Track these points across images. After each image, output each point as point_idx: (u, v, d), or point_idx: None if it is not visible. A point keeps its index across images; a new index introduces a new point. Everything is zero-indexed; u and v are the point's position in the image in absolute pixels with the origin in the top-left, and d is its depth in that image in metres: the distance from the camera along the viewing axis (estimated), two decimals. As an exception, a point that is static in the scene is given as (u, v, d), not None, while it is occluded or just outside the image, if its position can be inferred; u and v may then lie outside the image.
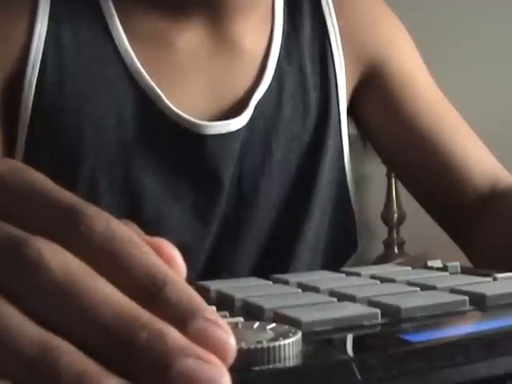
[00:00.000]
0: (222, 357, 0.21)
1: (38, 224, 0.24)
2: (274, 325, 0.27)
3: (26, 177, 0.26)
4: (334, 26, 0.70)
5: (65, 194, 0.25)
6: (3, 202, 0.25)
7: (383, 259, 1.87)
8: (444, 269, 0.46)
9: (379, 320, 0.31)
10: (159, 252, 0.24)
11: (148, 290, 0.22)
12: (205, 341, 0.21)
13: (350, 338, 0.29)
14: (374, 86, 0.71)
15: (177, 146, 0.62)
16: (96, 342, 0.21)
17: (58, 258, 0.22)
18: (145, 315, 0.21)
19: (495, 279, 0.40)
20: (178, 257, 0.25)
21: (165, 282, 0.22)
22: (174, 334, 0.21)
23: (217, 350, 0.21)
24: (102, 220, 0.24)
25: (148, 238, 0.25)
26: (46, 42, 0.60)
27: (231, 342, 0.21)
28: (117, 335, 0.21)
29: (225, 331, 0.22)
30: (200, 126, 0.62)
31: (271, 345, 0.24)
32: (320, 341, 0.28)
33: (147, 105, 0.62)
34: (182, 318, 0.21)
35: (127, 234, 0.24)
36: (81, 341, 0.21)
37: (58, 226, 0.24)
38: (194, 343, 0.21)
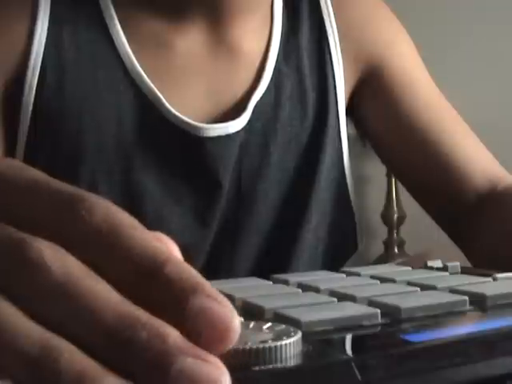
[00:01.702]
0: (224, 334, 0.21)
1: (39, 217, 0.24)
2: (273, 325, 0.27)
3: (25, 172, 0.26)
4: (332, 27, 0.70)
5: (64, 185, 0.25)
6: (4, 199, 0.25)
7: (383, 259, 1.87)
8: (444, 269, 0.46)
9: (379, 320, 0.31)
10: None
11: (149, 269, 0.22)
12: (206, 318, 0.21)
13: (349, 338, 0.29)
14: (373, 85, 0.71)
15: (176, 148, 0.62)
16: (96, 342, 0.21)
17: (59, 259, 0.22)
18: (144, 315, 0.21)
19: (495, 279, 0.40)
20: (176, 250, 0.25)
21: (166, 261, 0.22)
22: (173, 334, 0.21)
23: (219, 326, 0.21)
24: (102, 205, 0.24)
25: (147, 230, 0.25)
26: (46, 44, 0.60)
27: (233, 318, 0.21)
28: (117, 335, 0.21)
29: (227, 308, 0.22)
30: (199, 128, 0.62)
31: (271, 345, 0.24)
32: (320, 341, 0.28)
33: (147, 107, 0.62)
34: (182, 295, 0.21)
35: (128, 219, 0.24)
36: (81, 341, 0.21)
37: (60, 214, 0.24)
38: (193, 344, 0.21)
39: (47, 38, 0.61)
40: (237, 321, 0.21)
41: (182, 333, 0.21)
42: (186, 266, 0.22)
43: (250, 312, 0.34)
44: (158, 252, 0.23)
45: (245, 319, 0.29)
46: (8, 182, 0.25)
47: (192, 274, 0.22)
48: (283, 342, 0.25)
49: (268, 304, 0.34)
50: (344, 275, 0.45)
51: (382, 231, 1.96)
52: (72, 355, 0.20)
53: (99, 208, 0.24)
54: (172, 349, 0.20)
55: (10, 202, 0.25)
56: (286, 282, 0.43)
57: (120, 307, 0.21)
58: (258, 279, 0.45)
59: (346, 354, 0.27)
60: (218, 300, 0.22)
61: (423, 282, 0.39)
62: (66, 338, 0.21)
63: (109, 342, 0.21)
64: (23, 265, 0.22)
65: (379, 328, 0.31)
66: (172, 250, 0.25)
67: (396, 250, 1.94)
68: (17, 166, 0.26)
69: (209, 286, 0.22)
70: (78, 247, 0.23)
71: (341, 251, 0.72)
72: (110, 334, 0.21)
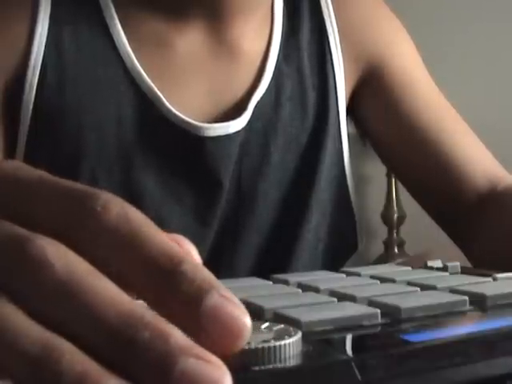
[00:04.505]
0: (236, 334, 0.21)
1: (49, 216, 0.24)
2: (273, 324, 0.27)
3: (32, 173, 0.26)
4: (332, 27, 0.70)
5: (74, 183, 0.25)
6: (11, 199, 0.25)
7: (383, 259, 1.87)
8: (444, 269, 0.46)
9: (379, 320, 0.31)
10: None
11: (164, 268, 0.22)
12: (219, 317, 0.21)
13: (349, 338, 0.29)
14: (373, 85, 0.71)
15: (177, 147, 0.63)
16: (98, 342, 0.21)
17: (62, 257, 0.22)
18: (147, 315, 0.21)
19: (495, 279, 0.40)
20: (196, 254, 0.25)
21: (181, 260, 0.22)
22: (176, 334, 0.21)
23: (231, 326, 0.21)
24: (117, 202, 0.24)
25: (165, 233, 0.25)
26: (46, 44, 0.61)
27: (246, 319, 0.22)
28: (119, 334, 0.21)
29: (240, 309, 0.22)
30: (200, 128, 0.62)
31: (271, 345, 0.24)
32: (320, 341, 0.28)
33: (147, 107, 0.62)
34: (196, 295, 0.22)
35: (142, 216, 0.24)
36: (83, 341, 0.21)
37: (73, 212, 0.23)
38: (195, 344, 0.21)
39: (47, 38, 0.61)
40: (249, 321, 0.22)
41: (195, 331, 0.21)
42: (201, 266, 0.23)
43: (250, 312, 0.34)
44: (174, 252, 0.23)
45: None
46: (18, 181, 0.25)
47: (206, 274, 0.22)
48: (283, 342, 0.25)
49: (268, 304, 0.34)
50: (344, 275, 0.45)
51: (382, 231, 1.96)
52: (73, 356, 0.20)
53: (115, 205, 0.23)
54: (174, 349, 0.20)
55: (17, 200, 0.25)
56: (286, 282, 0.43)
57: (123, 306, 0.21)
58: (258, 279, 0.45)
59: (346, 354, 0.27)
60: (232, 300, 0.22)
61: (423, 282, 0.39)
62: (66, 337, 0.21)
63: (111, 342, 0.21)
64: (25, 262, 0.22)
65: (379, 328, 0.31)
66: (191, 251, 0.25)
67: (396, 250, 1.94)
68: (24, 168, 0.26)
69: (222, 286, 0.22)
70: (89, 244, 0.23)
71: (341, 251, 0.71)
72: (112, 334, 0.21)
